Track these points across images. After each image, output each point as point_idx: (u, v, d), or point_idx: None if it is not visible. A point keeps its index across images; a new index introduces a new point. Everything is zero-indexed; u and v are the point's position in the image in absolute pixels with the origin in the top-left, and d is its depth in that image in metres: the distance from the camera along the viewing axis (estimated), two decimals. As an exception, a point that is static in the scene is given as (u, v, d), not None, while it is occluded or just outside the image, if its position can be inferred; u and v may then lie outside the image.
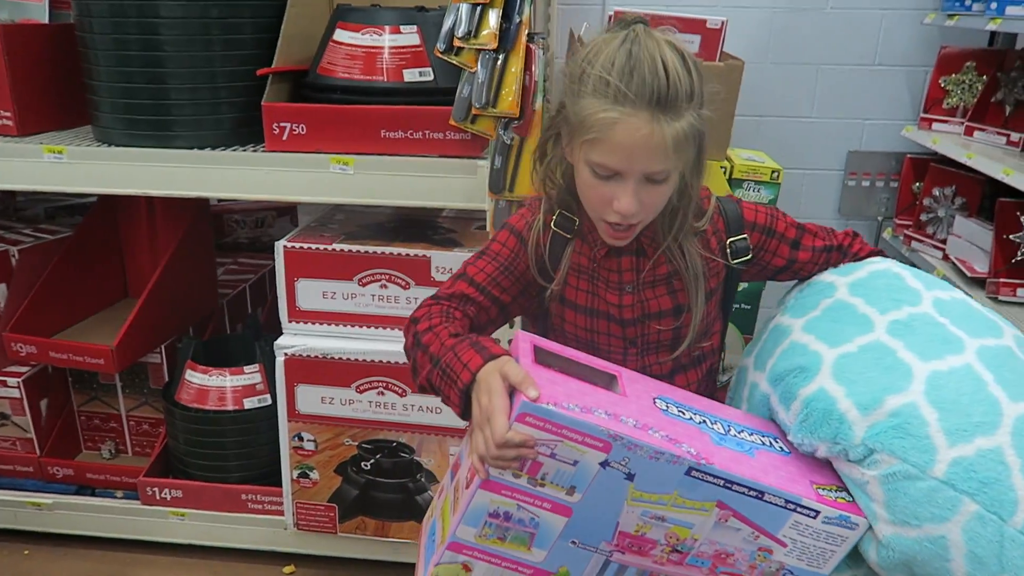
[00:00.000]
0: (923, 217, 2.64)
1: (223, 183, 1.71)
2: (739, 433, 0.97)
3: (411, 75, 1.68)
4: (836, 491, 0.93)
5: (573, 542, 0.97)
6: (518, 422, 0.87)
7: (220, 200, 2.77)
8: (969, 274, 2.28)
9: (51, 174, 1.74)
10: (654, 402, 0.96)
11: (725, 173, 1.57)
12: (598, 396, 0.93)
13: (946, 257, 2.46)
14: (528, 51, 1.55)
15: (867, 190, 2.94)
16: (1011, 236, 2.16)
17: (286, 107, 1.70)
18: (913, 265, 2.76)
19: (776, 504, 0.90)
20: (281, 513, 1.99)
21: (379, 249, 1.76)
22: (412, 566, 2.01)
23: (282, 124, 1.69)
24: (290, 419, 1.87)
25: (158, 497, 2.04)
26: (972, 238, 2.35)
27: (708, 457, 0.90)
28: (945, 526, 0.88)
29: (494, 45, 1.52)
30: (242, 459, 2.02)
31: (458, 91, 1.56)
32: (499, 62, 1.52)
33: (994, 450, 0.89)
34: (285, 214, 2.76)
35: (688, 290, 1.11)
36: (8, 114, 1.79)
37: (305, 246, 1.78)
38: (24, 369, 2.11)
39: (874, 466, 0.93)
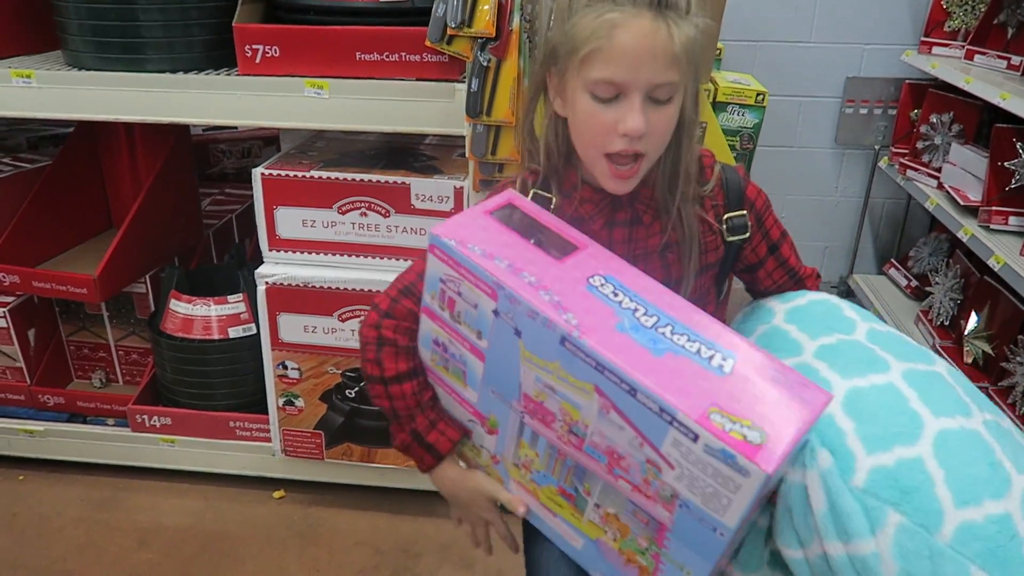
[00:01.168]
0: (919, 145, 2.59)
1: (196, 108, 1.68)
2: (674, 335, 0.84)
3: (386, -6, 1.62)
4: (743, 426, 0.76)
5: (493, 391, 0.95)
6: (429, 251, 0.91)
7: (205, 129, 2.73)
8: (962, 202, 2.25)
9: (20, 99, 1.70)
10: (590, 277, 0.89)
11: (709, 96, 1.53)
12: (525, 255, 0.89)
13: (940, 186, 2.42)
14: (506, -33, 1.49)
15: (865, 118, 2.88)
16: (1006, 163, 2.11)
17: (258, 28, 1.65)
18: (908, 195, 2.74)
19: (651, 409, 0.79)
20: (269, 440, 2.02)
21: (358, 176, 1.74)
22: (397, 491, 2.06)
23: (254, 46, 1.64)
24: (274, 348, 1.88)
25: (147, 424, 2.07)
26: (967, 166, 2.30)
27: (585, 332, 0.82)
28: (873, 541, 0.82)
29: (470, -39, 1.46)
30: (228, 387, 2.04)
31: (433, 10, 1.51)
32: (474, -22, 1.47)
33: (915, 460, 0.84)
34: (272, 143, 2.72)
35: (682, 260, 1.03)
36: (-25, 37, 1.75)
37: (283, 173, 1.75)
38: (9, 299, 2.11)
39: (794, 476, 0.88)
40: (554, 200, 1.03)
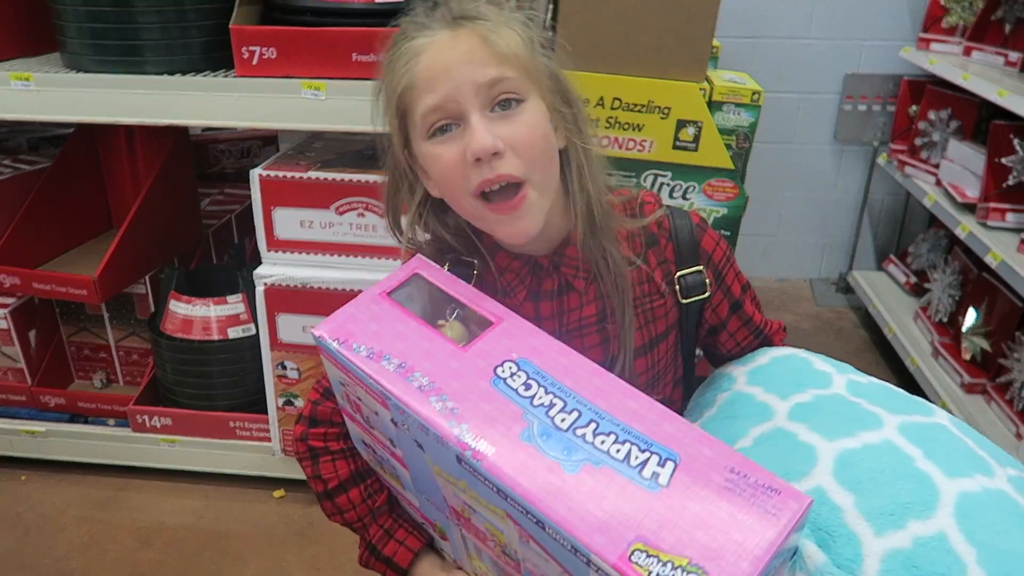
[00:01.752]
0: (918, 142, 2.59)
1: (193, 109, 1.68)
2: (596, 436, 0.66)
3: (382, -5, 1.63)
4: (675, 567, 0.58)
5: (427, 499, 0.82)
6: (320, 353, 0.80)
7: (204, 129, 2.73)
8: (960, 199, 2.25)
9: (18, 102, 1.71)
10: (498, 367, 0.72)
11: (705, 96, 1.53)
12: (421, 346, 0.74)
13: (939, 183, 2.42)
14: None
15: (864, 114, 2.88)
16: (1004, 160, 2.12)
17: (255, 30, 1.65)
18: (907, 192, 2.74)
19: (563, 545, 0.62)
20: (269, 439, 2.02)
21: (355, 177, 1.74)
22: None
23: (251, 48, 1.64)
24: (273, 348, 1.89)
25: (148, 425, 2.08)
26: (965, 162, 2.30)
27: (480, 450, 0.66)
28: None
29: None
30: (228, 388, 2.05)
31: (429, 11, 1.51)
32: (470, -21, 1.47)
33: (936, 538, 0.67)
34: (271, 143, 2.72)
35: (616, 312, 0.87)
36: (-27, 40, 1.75)
37: (280, 174, 1.76)
38: (10, 300, 2.12)
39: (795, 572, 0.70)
40: (476, 266, 0.89)
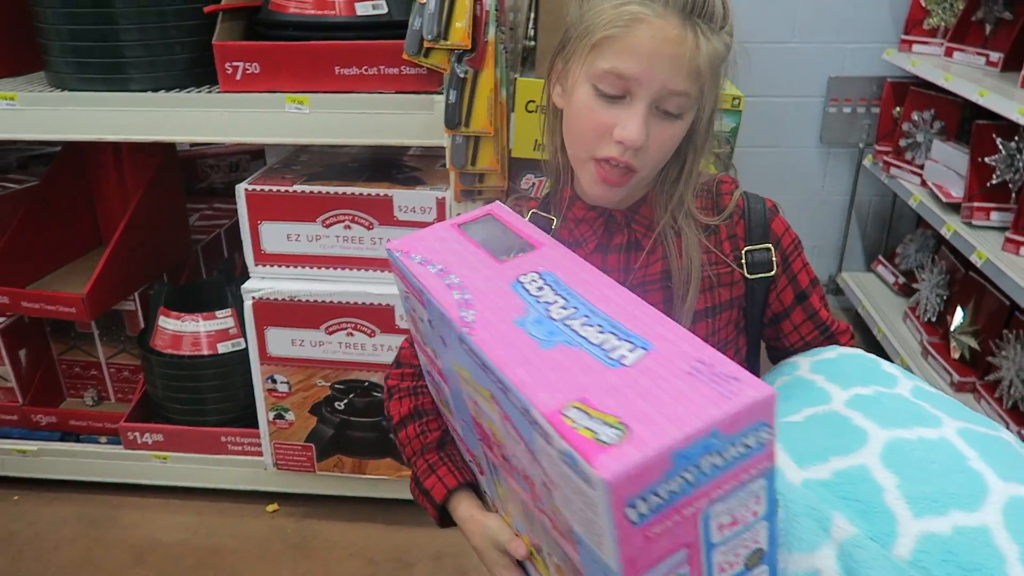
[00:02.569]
0: (902, 143, 2.61)
1: (178, 125, 1.69)
2: (585, 326, 0.66)
3: (364, 8, 1.64)
4: (602, 423, 0.56)
5: (463, 419, 0.83)
6: (391, 270, 0.87)
7: (192, 145, 2.74)
8: (945, 199, 2.27)
9: (3, 121, 1.71)
10: (523, 275, 0.75)
11: (686, 101, 1.54)
12: (466, 259, 0.79)
13: (924, 183, 2.44)
14: (481, -21, 1.51)
15: (849, 116, 2.90)
16: (986, 159, 2.13)
17: (237, 45, 1.66)
18: (893, 193, 2.75)
19: (519, 409, 0.62)
20: (260, 454, 2.02)
21: (340, 189, 1.75)
22: (389, 501, 2.06)
23: (235, 63, 1.65)
24: (262, 362, 1.89)
25: (139, 441, 2.07)
26: (949, 162, 2.32)
27: (476, 328, 0.68)
28: None
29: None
30: (219, 403, 2.05)
31: (409, 23, 1.53)
32: (449, -8, 1.48)
33: (978, 530, 0.65)
34: (259, 157, 2.73)
35: (675, 288, 0.89)
36: (-42, 61, 1.76)
37: (266, 188, 1.76)
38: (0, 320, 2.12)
39: (818, 536, 0.68)
40: (554, 222, 0.93)
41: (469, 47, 1.50)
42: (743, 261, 0.91)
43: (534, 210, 0.95)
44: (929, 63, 2.41)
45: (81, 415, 2.20)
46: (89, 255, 2.31)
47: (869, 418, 0.75)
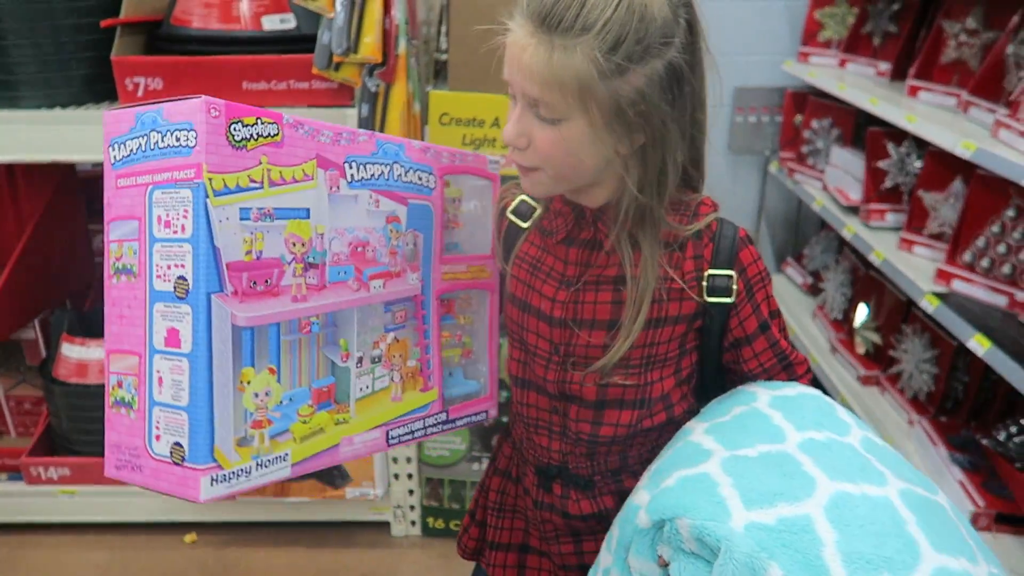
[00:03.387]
0: (804, 149, 2.72)
1: (75, 144, 1.62)
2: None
3: (271, 22, 1.61)
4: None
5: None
6: None
7: (95, 164, 2.63)
8: (844, 202, 2.38)
9: None
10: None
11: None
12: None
13: (825, 187, 2.55)
14: (389, -7, 1.51)
15: (754, 125, 3.01)
16: (880, 163, 2.25)
17: (139, 60, 1.61)
18: (798, 197, 2.87)
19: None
20: (176, 482, 1.94)
21: (253, 206, 1.71)
22: (314, 524, 2.02)
23: (136, 79, 1.60)
24: (175, 387, 1.82)
25: (44, 477, 1.97)
26: (847, 167, 2.44)
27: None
28: None
29: (352, -12, 1.47)
30: (130, 431, 1.96)
31: (318, 38, 1.51)
32: (357, 4, 1.47)
33: None
34: (166, 176, 2.64)
35: (628, 299, 0.92)
36: None
37: (174, 207, 1.70)
38: None
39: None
40: (537, 210, 1.02)
41: (380, 61, 1.49)
42: (703, 284, 0.93)
43: (522, 197, 1.02)
44: (825, 73, 2.53)
45: (-22, 452, 2.07)
46: (-17, 282, 2.18)
47: (819, 466, 0.79)
